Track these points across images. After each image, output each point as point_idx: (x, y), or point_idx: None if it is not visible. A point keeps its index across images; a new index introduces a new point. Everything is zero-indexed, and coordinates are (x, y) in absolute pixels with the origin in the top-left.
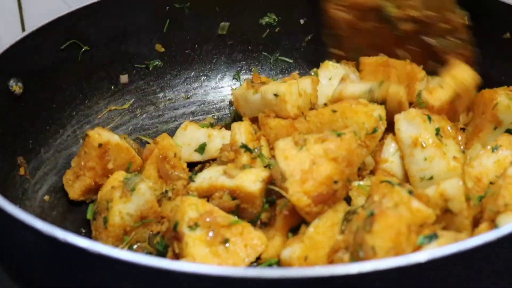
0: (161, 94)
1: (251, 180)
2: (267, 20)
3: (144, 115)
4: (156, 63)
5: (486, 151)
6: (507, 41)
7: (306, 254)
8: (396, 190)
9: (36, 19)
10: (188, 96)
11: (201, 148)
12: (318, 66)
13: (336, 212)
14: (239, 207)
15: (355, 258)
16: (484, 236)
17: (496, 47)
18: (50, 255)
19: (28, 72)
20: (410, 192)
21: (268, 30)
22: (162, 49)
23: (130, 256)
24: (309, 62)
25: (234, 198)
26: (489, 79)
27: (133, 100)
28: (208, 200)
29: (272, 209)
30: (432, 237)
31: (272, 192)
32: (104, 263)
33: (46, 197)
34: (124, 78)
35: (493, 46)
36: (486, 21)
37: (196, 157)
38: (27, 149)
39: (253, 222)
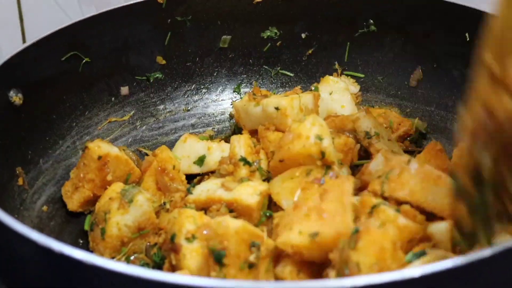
0: (161, 106)
1: (248, 193)
2: (268, 33)
3: (144, 127)
4: (157, 75)
5: None
6: None
7: (298, 268)
8: (382, 209)
9: (37, 31)
10: (189, 108)
11: (200, 161)
12: (318, 81)
13: None
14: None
15: (341, 275)
16: (479, 253)
17: None
18: (46, 267)
19: (29, 83)
20: (397, 210)
21: (269, 44)
22: (163, 62)
23: (125, 268)
24: (309, 76)
25: (231, 211)
26: None
27: (133, 112)
28: (205, 213)
29: (269, 222)
30: (421, 254)
31: (270, 205)
32: (99, 275)
33: (44, 208)
34: (124, 90)
35: None
36: None
37: (195, 169)
38: (26, 160)
39: None
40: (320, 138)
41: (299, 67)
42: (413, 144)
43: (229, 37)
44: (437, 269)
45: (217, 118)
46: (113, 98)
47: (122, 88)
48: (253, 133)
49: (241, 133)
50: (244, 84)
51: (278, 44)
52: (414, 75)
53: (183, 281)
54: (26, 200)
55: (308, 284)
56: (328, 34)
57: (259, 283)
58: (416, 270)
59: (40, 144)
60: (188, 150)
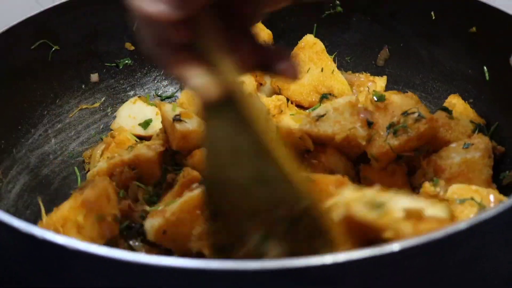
0: (131, 92)
1: (146, 148)
2: None
3: (115, 114)
4: (126, 61)
5: (458, 146)
6: (473, 35)
7: (165, 228)
8: None
9: (6, 19)
10: (158, 94)
11: (146, 123)
12: None
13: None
14: (142, 177)
15: None
16: (456, 226)
17: (463, 41)
18: (28, 253)
19: None
20: None
21: None
22: (132, 48)
23: (108, 252)
24: None
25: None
26: (457, 73)
27: (104, 98)
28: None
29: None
30: None
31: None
32: (82, 259)
33: None
34: (94, 77)
35: (459, 41)
36: (452, 16)
37: (139, 131)
38: None
39: (158, 184)
40: None
41: None
42: None
43: None
44: (417, 243)
45: None
46: (83, 86)
47: (92, 75)
48: None
49: None
50: None
51: None
52: (381, 54)
53: (166, 263)
54: (1, 189)
55: (290, 262)
56: (295, 16)
57: (241, 263)
58: (395, 245)
59: (12, 134)
60: (136, 112)
